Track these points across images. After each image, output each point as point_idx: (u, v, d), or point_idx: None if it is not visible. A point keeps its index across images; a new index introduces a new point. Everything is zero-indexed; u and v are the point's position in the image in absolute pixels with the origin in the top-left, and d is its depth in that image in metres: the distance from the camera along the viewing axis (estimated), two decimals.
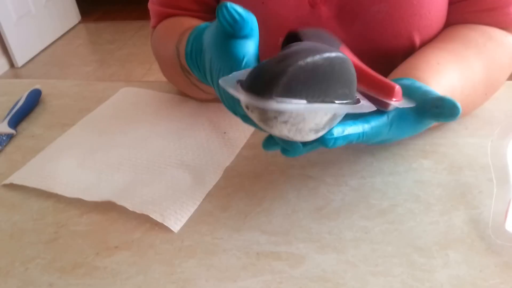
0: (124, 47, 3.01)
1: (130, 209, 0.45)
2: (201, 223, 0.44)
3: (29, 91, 0.66)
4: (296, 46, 0.35)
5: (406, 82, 0.46)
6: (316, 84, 0.33)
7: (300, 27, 0.42)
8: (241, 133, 0.56)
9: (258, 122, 0.35)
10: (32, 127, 0.63)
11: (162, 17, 0.65)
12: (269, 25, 0.58)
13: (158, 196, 0.47)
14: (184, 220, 0.45)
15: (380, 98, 0.40)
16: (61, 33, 3.25)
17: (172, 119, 0.60)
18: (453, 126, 0.54)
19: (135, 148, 0.55)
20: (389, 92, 0.40)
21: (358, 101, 0.38)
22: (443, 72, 0.49)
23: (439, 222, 0.42)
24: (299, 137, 0.36)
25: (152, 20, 0.67)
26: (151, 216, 0.44)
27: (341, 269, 0.39)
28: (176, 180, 0.49)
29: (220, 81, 0.35)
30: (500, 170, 0.44)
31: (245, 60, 0.38)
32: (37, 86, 0.68)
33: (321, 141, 0.37)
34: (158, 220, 0.44)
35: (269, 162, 0.52)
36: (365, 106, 0.38)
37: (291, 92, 0.32)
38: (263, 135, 0.55)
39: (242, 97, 0.32)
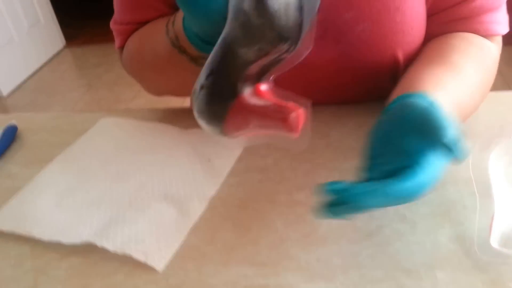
0: (112, 69, 2.99)
1: (112, 250, 0.44)
2: (187, 259, 0.43)
3: (4, 128, 0.65)
4: None
5: (421, 102, 0.42)
6: None
7: None
8: (226, 160, 0.56)
9: None
10: (8, 165, 0.61)
11: (129, 33, 0.63)
12: None
13: (141, 233, 0.46)
14: (168, 257, 0.43)
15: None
16: (46, 59, 3.24)
17: (154, 149, 0.59)
18: None
19: (116, 183, 0.54)
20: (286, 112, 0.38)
21: None
22: (440, 81, 0.48)
23: (425, 242, 0.42)
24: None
25: (117, 40, 0.65)
26: (133, 256, 0.43)
27: None
28: (159, 215, 0.48)
29: None
30: (482, 184, 0.44)
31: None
32: (13, 122, 0.67)
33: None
34: (141, 260, 0.43)
35: (254, 188, 0.51)
36: None
37: None
38: (248, 161, 0.55)
39: None
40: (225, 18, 0.39)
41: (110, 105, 2.58)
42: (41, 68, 3.14)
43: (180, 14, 0.49)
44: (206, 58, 0.44)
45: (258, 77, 0.40)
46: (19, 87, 2.91)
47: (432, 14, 0.57)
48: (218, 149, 0.57)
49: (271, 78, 0.41)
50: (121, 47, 0.66)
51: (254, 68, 0.39)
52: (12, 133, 0.65)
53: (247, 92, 0.40)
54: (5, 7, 2.87)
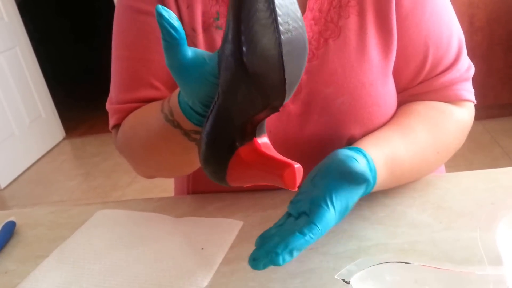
0: (110, 158, 3.03)
1: None
2: None
3: (2, 224, 0.65)
4: None
5: (342, 154, 0.51)
6: None
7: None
8: (219, 248, 0.56)
9: None
10: (5, 262, 0.61)
11: (126, 112, 0.64)
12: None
13: None
14: None
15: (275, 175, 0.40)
16: (45, 151, 3.28)
17: (148, 240, 0.59)
18: (428, 221, 0.54)
19: (111, 275, 0.53)
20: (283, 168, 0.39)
21: None
22: (382, 138, 0.57)
23: None
24: None
25: (112, 119, 0.66)
26: None
27: None
28: None
29: None
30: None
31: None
32: (12, 218, 0.67)
33: (270, 260, 0.43)
34: None
35: (248, 277, 0.50)
36: None
37: None
38: (241, 249, 0.55)
39: None
40: (217, 84, 0.41)
41: (107, 193, 2.58)
42: (39, 159, 3.18)
43: (175, 92, 0.51)
44: (198, 132, 0.46)
45: (254, 131, 0.42)
46: (17, 179, 2.92)
47: (405, 88, 0.64)
48: (211, 237, 0.58)
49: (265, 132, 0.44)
50: (115, 126, 0.66)
51: (249, 125, 0.41)
52: (10, 229, 0.66)
53: (246, 147, 0.41)
54: (7, 103, 2.96)
